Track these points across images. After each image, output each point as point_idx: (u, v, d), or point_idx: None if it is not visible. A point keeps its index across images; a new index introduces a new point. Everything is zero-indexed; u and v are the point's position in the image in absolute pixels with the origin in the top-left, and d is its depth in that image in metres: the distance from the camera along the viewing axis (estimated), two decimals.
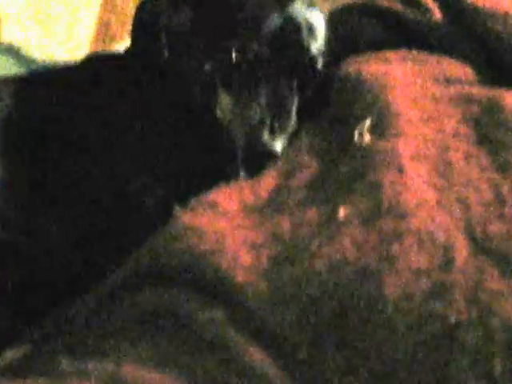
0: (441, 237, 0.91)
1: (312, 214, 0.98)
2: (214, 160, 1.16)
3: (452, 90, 1.16)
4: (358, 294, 0.88)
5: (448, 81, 1.18)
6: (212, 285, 0.92)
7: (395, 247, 0.91)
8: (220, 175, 1.12)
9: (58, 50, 1.62)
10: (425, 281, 0.87)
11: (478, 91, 1.15)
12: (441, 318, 0.84)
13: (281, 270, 0.92)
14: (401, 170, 1.00)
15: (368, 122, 1.07)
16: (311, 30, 1.20)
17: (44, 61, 1.61)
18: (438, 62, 1.22)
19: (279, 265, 0.93)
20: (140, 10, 1.31)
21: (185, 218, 1.00)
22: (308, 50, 1.19)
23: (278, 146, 1.13)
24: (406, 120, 1.07)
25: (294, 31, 1.19)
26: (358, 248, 0.92)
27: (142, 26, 1.31)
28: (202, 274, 0.93)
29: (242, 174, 1.12)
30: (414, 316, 0.85)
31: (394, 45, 1.27)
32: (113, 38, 1.64)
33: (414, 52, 1.24)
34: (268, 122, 1.14)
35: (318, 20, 1.22)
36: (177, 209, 1.02)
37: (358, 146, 1.06)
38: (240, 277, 0.91)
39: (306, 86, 1.20)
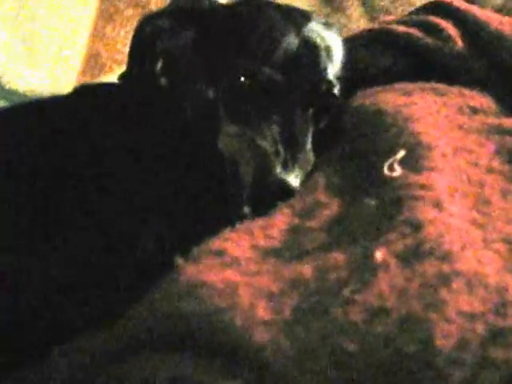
0: (492, 279, 0.80)
1: (339, 257, 0.85)
2: (216, 197, 1.03)
3: (479, 120, 1.07)
4: (402, 347, 0.74)
5: (473, 111, 1.09)
6: (227, 348, 0.78)
7: (443, 292, 0.78)
8: (224, 214, 0.99)
9: (42, 83, 1.50)
10: (480, 326, 0.75)
11: (509, 122, 1.05)
12: (501, 366, 0.73)
13: (307, 323, 0.79)
14: (440, 207, 0.88)
15: (401, 154, 0.94)
16: (329, 51, 1.08)
17: (26, 93, 1.48)
18: (459, 93, 1.13)
19: (304, 316, 0.79)
20: (138, 31, 1.19)
21: (189, 270, 0.87)
22: (325, 73, 1.07)
23: (294, 180, 0.99)
24: (439, 152, 0.97)
25: (310, 53, 1.07)
26: (399, 294, 0.79)
27: (139, 50, 1.19)
28: (215, 336, 0.79)
29: (248, 213, 0.99)
30: (469, 366, 0.73)
31: (410, 74, 1.17)
32: (102, 70, 1.52)
33: (433, 83, 1.14)
34: (281, 154, 1.00)
35: (335, 41, 1.11)
36: (178, 260, 0.88)
37: (387, 179, 0.93)
38: (258, 335, 0.77)
39: (322, 114, 1.08)
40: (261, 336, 0.77)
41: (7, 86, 1.47)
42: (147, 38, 1.16)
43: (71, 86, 1.47)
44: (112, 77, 1.49)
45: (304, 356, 0.75)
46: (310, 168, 1.03)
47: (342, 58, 1.10)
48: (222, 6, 1.19)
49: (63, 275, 1.02)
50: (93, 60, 1.50)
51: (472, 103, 1.09)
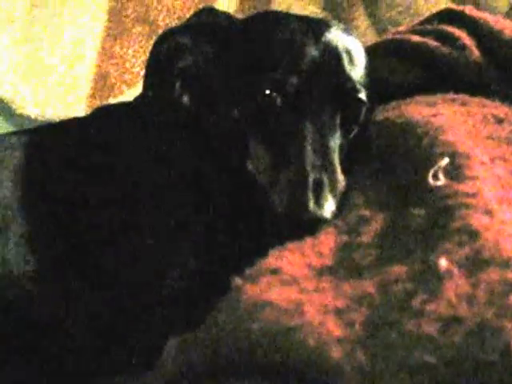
0: None
1: (399, 270, 0.82)
2: (251, 222, 0.98)
3: (506, 129, 1.04)
4: (481, 356, 0.71)
5: (498, 120, 1.06)
6: (301, 368, 0.74)
7: (511, 299, 0.75)
8: (260, 238, 0.95)
9: (52, 106, 1.44)
10: None
11: None
12: None
13: (380, 337, 0.75)
14: (491, 215, 0.85)
15: (444, 162, 0.91)
16: (351, 56, 1.04)
17: (37, 118, 1.42)
18: (480, 103, 1.10)
19: (377, 330, 0.76)
20: (156, 50, 1.13)
21: (249, 290, 0.82)
22: (349, 77, 1.02)
23: (328, 210, 0.94)
24: (478, 161, 0.94)
25: (333, 59, 1.02)
26: (469, 302, 0.76)
27: (156, 68, 1.13)
28: (287, 356, 0.75)
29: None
30: None
31: (428, 85, 1.14)
32: (112, 91, 1.46)
33: (453, 94, 1.11)
34: (312, 179, 0.94)
35: (356, 47, 1.07)
36: (237, 280, 0.84)
37: (432, 188, 0.90)
38: (334, 352, 0.73)
39: (350, 123, 1.03)
40: (337, 353, 0.73)
41: (18, 112, 1.42)
42: (166, 55, 1.10)
43: (82, 109, 1.43)
44: (122, 98, 1.45)
45: (383, 371, 0.72)
46: (342, 190, 0.98)
47: (365, 64, 1.07)
48: (240, 20, 1.15)
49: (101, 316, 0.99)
50: (102, 81, 1.45)
51: (495, 112, 1.06)
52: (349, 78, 1.02)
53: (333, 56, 1.02)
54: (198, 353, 0.81)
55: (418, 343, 0.73)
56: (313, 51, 1.01)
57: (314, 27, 1.05)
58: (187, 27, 1.12)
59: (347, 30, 1.10)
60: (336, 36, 1.04)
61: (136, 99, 1.19)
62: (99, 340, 0.99)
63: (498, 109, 1.08)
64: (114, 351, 0.99)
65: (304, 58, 1.00)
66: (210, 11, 1.17)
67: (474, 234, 0.82)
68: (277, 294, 0.80)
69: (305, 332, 0.75)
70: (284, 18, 1.09)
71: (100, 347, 0.99)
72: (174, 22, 1.46)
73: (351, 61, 1.03)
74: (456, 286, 0.77)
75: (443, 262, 0.79)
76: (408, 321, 0.75)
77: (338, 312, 0.78)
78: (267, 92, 1.00)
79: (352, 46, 1.05)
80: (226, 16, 1.15)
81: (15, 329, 0.98)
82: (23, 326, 0.98)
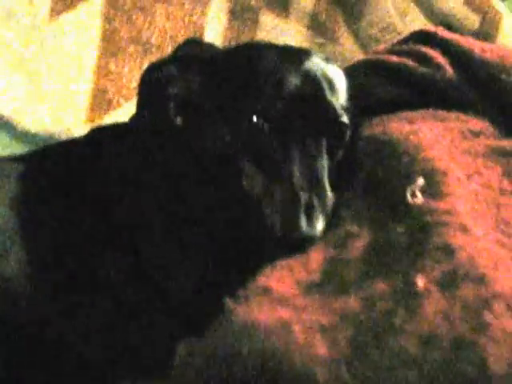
0: None
1: (382, 286, 0.84)
2: (246, 240, 1.00)
3: (481, 143, 1.07)
4: (459, 372, 0.73)
5: (474, 134, 1.08)
6: None
7: (486, 314, 0.77)
8: (255, 255, 0.96)
9: (52, 121, 1.46)
10: None
11: (510, 144, 1.05)
12: None
13: (364, 356, 0.77)
14: (466, 231, 0.87)
15: (421, 182, 0.93)
16: (331, 84, 1.05)
17: (39, 133, 1.44)
18: (457, 118, 1.12)
19: (361, 349, 0.78)
20: (146, 77, 1.14)
21: (240, 311, 0.84)
22: (330, 103, 1.04)
23: (318, 228, 0.96)
24: (454, 177, 0.96)
25: (313, 86, 1.03)
26: (446, 319, 0.78)
27: (148, 94, 1.14)
28: (275, 377, 0.76)
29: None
30: None
31: (407, 103, 1.15)
32: (110, 105, 1.48)
33: (432, 110, 1.13)
34: (303, 201, 0.96)
35: (336, 74, 1.08)
36: (227, 300, 0.85)
37: (411, 206, 0.92)
38: (320, 372, 0.75)
39: (335, 146, 1.04)
40: (322, 374, 0.75)
41: (19, 127, 1.43)
42: (156, 85, 1.12)
43: (81, 123, 1.44)
44: (120, 111, 1.48)
45: None
46: (331, 207, 0.99)
47: (345, 89, 1.08)
48: (224, 51, 1.16)
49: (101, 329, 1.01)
50: (100, 96, 1.46)
51: (471, 127, 1.08)
52: (329, 104, 1.04)
53: (313, 83, 1.04)
54: (192, 372, 0.83)
55: (400, 362, 0.75)
56: (294, 79, 1.02)
57: (295, 56, 1.06)
58: (173, 59, 1.14)
59: (327, 59, 1.11)
60: (316, 64, 1.06)
61: (130, 119, 1.20)
62: (104, 353, 1.00)
63: (474, 123, 1.10)
64: (120, 358, 1.00)
65: (286, 86, 1.02)
66: (195, 43, 1.19)
67: (450, 252, 0.84)
68: (266, 314, 0.82)
69: (293, 353, 0.76)
70: (266, 48, 1.11)
71: (104, 360, 1.01)
72: (165, 42, 1.48)
73: (331, 87, 1.05)
74: (433, 304, 0.79)
75: (420, 281, 0.81)
76: (390, 339, 0.77)
77: (325, 330, 0.79)
78: (254, 119, 1.02)
79: (331, 72, 1.07)
80: (211, 46, 1.17)
81: (18, 348, 0.99)
82: (26, 345, 0.98)
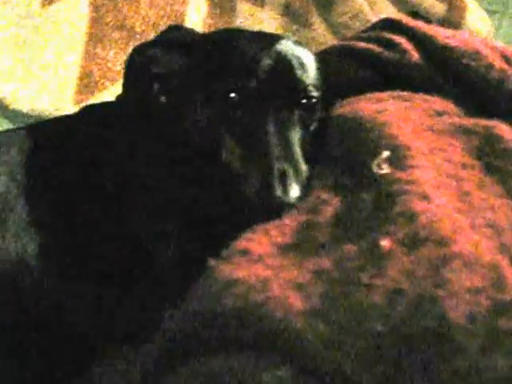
0: (485, 258, 0.83)
1: (351, 248, 0.88)
2: (227, 208, 1.04)
3: (445, 121, 1.09)
4: (421, 323, 0.78)
5: (438, 113, 1.11)
6: (269, 339, 0.79)
7: (446, 271, 0.81)
8: (234, 222, 1.00)
9: (42, 101, 1.50)
10: (484, 299, 0.79)
11: (472, 122, 1.08)
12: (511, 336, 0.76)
13: (336, 307, 0.81)
14: (428, 199, 0.91)
15: (385, 155, 0.97)
16: (301, 63, 1.10)
17: (29, 113, 1.47)
18: (422, 99, 1.15)
19: (332, 302, 0.82)
20: (131, 58, 1.19)
21: (223, 268, 0.87)
22: (300, 79, 1.09)
23: (292, 195, 1.00)
24: (418, 152, 0.99)
25: (285, 65, 1.09)
26: (409, 276, 0.82)
27: (134, 75, 1.19)
28: (256, 329, 0.80)
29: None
30: (481, 337, 0.76)
31: (375, 85, 1.19)
32: (96, 87, 1.52)
33: (399, 91, 1.16)
34: (277, 169, 1.00)
35: (306, 55, 1.13)
36: (211, 261, 0.89)
37: (377, 177, 0.96)
38: (298, 323, 0.79)
39: (307, 118, 1.09)
40: (299, 324, 0.79)
41: (11, 107, 1.45)
42: (141, 66, 1.16)
43: (70, 104, 1.47)
44: (106, 93, 1.52)
45: (341, 339, 0.78)
46: (305, 176, 1.04)
47: (315, 69, 1.13)
48: (203, 35, 1.21)
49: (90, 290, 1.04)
50: (87, 79, 1.49)
51: (436, 107, 1.12)
52: (300, 80, 1.09)
53: (284, 62, 1.09)
54: (180, 327, 0.86)
55: (368, 313, 0.79)
56: (267, 59, 1.08)
57: (268, 40, 1.12)
58: (157, 42, 1.19)
59: (297, 42, 1.16)
60: (287, 46, 1.11)
61: (117, 97, 1.25)
62: (95, 319, 1.04)
63: (438, 103, 1.13)
64: (112, 331, 1.04)
65: (259, 65, 1.07)
66: (177, 28, 1.23)
67: (412, 217, 0.88)
68: (246, 271, 0.85)
69: (271, 306, 0.80)
70: (241, 32, 1.17)
71: (96, 327, 1.04)
72: (149, 29, 1.52)
73: (301, 65, 1.10)
74: (398, 263, 0.83)
75: (384, 243, 0.85)
76: (360, 294, 0.81)
77: (300, 286, 0.83)
78: (231, 95, 1.06)
79: (301, 53, 1.12)
80: (191, 32, 1.21)
81: (13, 316, 1.02)
82: (21, 314, 1.02)
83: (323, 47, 1.33)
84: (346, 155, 1.05)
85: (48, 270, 1.04)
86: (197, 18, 1.56)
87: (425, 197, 0.91)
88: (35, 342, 1.02)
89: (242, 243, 0.92)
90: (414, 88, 1.17)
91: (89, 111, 1.23)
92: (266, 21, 1.55)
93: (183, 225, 1.05)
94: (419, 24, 1.24)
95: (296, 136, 1.06)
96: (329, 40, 1.55)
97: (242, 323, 0.80)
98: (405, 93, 1.15)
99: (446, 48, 1.19)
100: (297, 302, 0.81)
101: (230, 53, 1.10)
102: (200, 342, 0.83)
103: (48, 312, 1.03)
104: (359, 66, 1.22)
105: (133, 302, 1.03)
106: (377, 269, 0.83)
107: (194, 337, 0.83)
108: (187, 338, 0.84)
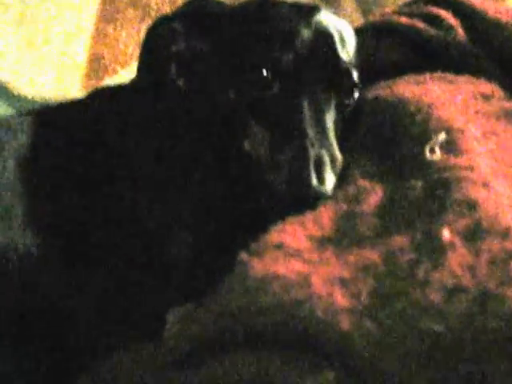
0: None
1: (402, 240, 0.80)
2: (249, 202, 0.96)
3: (494, 105, 1.02)
4: (483, 323, 0.69)
5: (485, 97, 1.04)
6: (311, 340, 0.71)
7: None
8: (258, 217, 0.92)
9: (48, 87, 1.41)
10: None
11: None
12: None
13: (388, 306, 0.73)
14: (487, 187, 0.83)
15: (442, 137, 0.88)
16: (341, 37, 1.02)
17: (34, 99, 1.38)
18: (467, 80, 1.07)
19: (383, 300, 0.74)
20: (150, 35, 1.10)
21: (256, 264, 0.79)
22: (341, 58, 1.00)
23: (329, 185, 0.90)
24: (471, 136, 0.92)
25: (324, 39, 1.00)
26: (471, 272, 0.74)
27: (151, 52, 1.09)
28: (297, 329, 0.72)
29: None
30: None
31: (416, 65, 1.10)
32: (105, 72, 1.43)
33: (440, 73, 1.08)
34: (313, 155, 0.91)
35: (346, 28, 1.05)
36: (243, 255, 0.81)
37: (429, 162, 0.87)
38: (342, 322, 0.71)
39: (344, 101, 1.01)
40: (345, 323, 0.71)
41: (15, 92, 1.37)
42: (161, 41, 1.07)
43: (77, 89, 1.39)
44: (116, 78, 1.42)
45: (392, 340, 0.70)
46: (340, 166, 0.95)
47: (354, 45, 1.05)
48: (232, 7, 1.11)
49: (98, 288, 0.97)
50: (96, 62, 1.41)
51: (481, 89, 1.04)
52: (341, 57, 1.00)
53: (325, 36, 1.00)
54: (200, 327, 0.78)
55: (424, 312, 0.71)
56: (306, 31, 0.99)
57: (306, 10, 1.03)
58: (179, 15, 1.09)
59: (336, 14, 1.07)
60: (326, 18, 1.02)
61: (131, 81, 1.16)
62: (102, 314, 0.96)
63: (485, 86, 1.06)
64: (116, 324, 0.97)
65: (297, 38, 0.98)
66: (201, 0, 1.12)
67: (473, 206, 0.80)
68: (283, 267, 0.78)
69: (313, 304, 0.72)
70: (276, 3, 1.06)
71: (103, 321, 0.97)
72: (165, 5, 1.44)
73: (342, 41, 1.01)
74: (458, 256, 0.75)
75: (446, 233, 0.77)
76: (414, 290, 0.73)
77: (344, 282, 0.75)
78: (264, 72, 0.97)
79: (342, 27, 1.04)
80: (217, 3, 1.11)
81: (17, 310, 0.95)
82: (25, 307, 0.95)
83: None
84: (386, 141, 0.97)
85: (53, 265, 0.96)
86: None
87: (484, 184, 0.83)
88: (38, 338, 0.95)
89: (275, 236, 0.84)
90: (457, 69, 1.08)
91: (98, 96, 1.14)
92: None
93: (199, 216, 0.97)
94: None
95: (332, 119, 0.98)
96: (356, 20, 1.46)
97: (282, 322, 0.73)
98: (447, 74, 1.07)
99: (496, 25, 1.11)
100: (342, 299, 0.73)
101: (263, 25, 1.01)
102: (233, 340, 0.75)
103: (52, 308, 0.96)
104: (399, 44, 1.14)
105: (142, 296, 0.96)
106: (434, 262, 0.75)
107: (227, 333, 0.76)
108: (220, 334, 0.76)
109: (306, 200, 0.89)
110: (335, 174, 0.93)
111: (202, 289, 0.84)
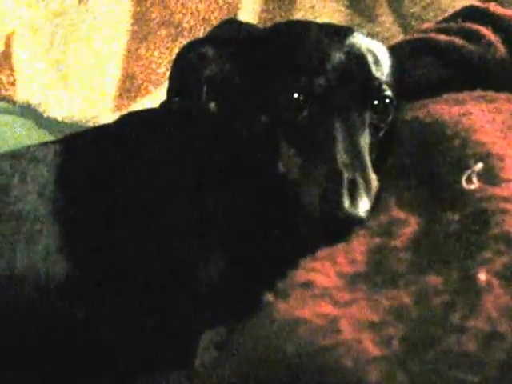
0: None
1: (436, 280, 0.74)
2: (283, 226, 0.92)
3: None
4: None
5: None
6: None
7: None
8: (293, 244, 0.88)
9: (79, 108, 1.39)
10: None
11: None
12: None
13: (419, 355, 0.68)
14: None
15: (479, 166, 0.83)
16: (375, 57, 0.98)
17: (64, 121, 1.37)
18: (508, 99, 1.01)
19: (415, 348, 0.68)
20: (180, 60, 1.08)
21: (281, 307, 0.74)
22: (375, 77, 0.97)
23: (363, 209, 0.86)
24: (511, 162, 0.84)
25: (358, 60, 0.97)
26: (509, 316, 0.68)
27: (180, 77, 1.08)
28: (324, 379, 0.67)
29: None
30: None
31: (452, 85, 1.05)
32: (138, 91, 1.40)
33: (480, 91, 1.02)
34: (346, 178, 0.88)
35: (380, 50, 1.01)
36: (268, 296, 0.76)
37: (466, 192, 0.82)
38: (372, 373, 0.66)
39: (379, 122, 0.97)
40: (375, 374, 0.66)
41: (46, 115, 1.36)
42: (191, 65, 1.05)
43: (108, 110, 1.37)
44: (149, 98, 1.40)
45: None
46: (376, 190, 0.91)
47: (389, 65, 1.01)
48: (262, 30, 1.10)
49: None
50: (128, 82, 1.39)
51: None
52: (374, 77, 0.97)
53: (358, 57, 0.97)
54: (229, 370, 0.74)
55: (458, 361, 0.65)
56: (338, 54, 0.96)
57: (338, 32, 1.00)
58: (210, 39, 1.08)
59: (370, 35, 1.04)
60: (359, 39, 0.99)
61: (161, 106, 1.14)
62: (131, 338, 0.95)
63: None
64: (144, 349, 0.95)
65: (329, 61, 0.95)
66: (232, 23, 1.13)
67: (511, 242, 0.75)
68: (310, 309, 0.73)
69: (341, 351, 0.67)
70: (307, 24, 1.04)
71: (131, 346, 0.95)
72: (198, 24, 1.40)
73: (376, 61, 0.98)
74: (496, 300, 0.69)
75: (483, 275, 0.72)
76: (448, 337, 0.67)
77: (375, 327, 0.70)
78: (295, 95, 0.94)
79: (375, 47, 1.00)
80: (248, 26, 1.11)
81: (38, 339, 0.95)
82: (48, 338, 0.94)
83: (388, 42, 1.19)
84: (423, 166, 0.91)
85: (79, 293, 0.95)
86: (251, 12, 1.43)
87: None
88: (63, 362, 0.95)
89: (303, 273, 0.79)
90: (497, 86, 1.03)
91: (129, 121, 1.12)
92: (328, 14, 1.41)
93: (232, 240, 0.94)
94: (509, 12, 1.10)
95: (366, 142, 0.94)
96: (395, 34, 1.41)
97: (306, 371, 0.68)
98: (487, 92, 1.02)
99: None
100: (371, 346, 0.68)
101: (294, 47, 0.98)
102: None
103: (79, 335, 0.95)
104: (437, 62, 1.09)
105: (171, 323, 0.94)
106: (470, 307, 0.69)
107: (251, 381, 0.71)
108: (245, 381, 0.72)
109: (339, 225, 0.86)
110: (370, 199, 0.89)
111: (234, 314, 0.82)
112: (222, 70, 1.04)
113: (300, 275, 0.78)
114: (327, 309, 0.73)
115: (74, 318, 0.94)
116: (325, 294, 0.75)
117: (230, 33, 1.08)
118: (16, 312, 0.94)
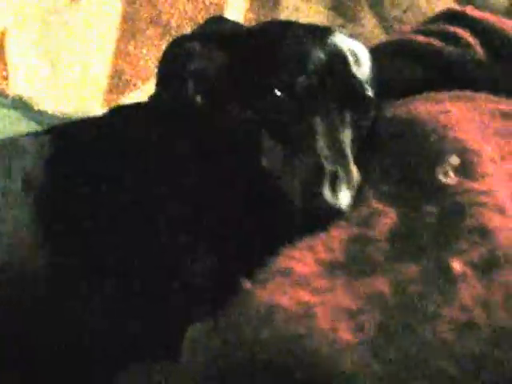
0: None
1: (412, 269, 0.72)
2: (265, 218, 0.89)
3: None
4: (499, 362, 0.62)
5: (504, 116, 0.94)
6: (313, 378, 0.64)
7: None
8: (273, 235, 0.85)
9: (69, 102, 1.38)
10: None
11: None
12: None
13: (395, 342, 0.65)
14: (503, 213, 0.75)
15: (454, 161, 0.80)
16: (356, 57, 0.96)
17: (54, 114, 1.35)
18: (486, 99, 0.98)
19: (391, 335, 0.66)
20: (167, 54, 1.06)
21: (259, 294, 0.72)
22: (356, 77, 0.94)
23: (344, 200, 0.84)
24: (488, 158, 0.83)
25: (339, 60, 0.94)
26: (484, 306, 0.66)
27: (168, 71, 1.06)
28: (298, 365, 0.65)
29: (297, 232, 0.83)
30: None
31: (432, 85, 1.02)
32: (127, 87, 1.40)
33: (458, 91, 0.99)
34: (327, 171, 0.86)
35: (361, 49, 0.98)
36: (246, 283, 0.74)
37: (444, 186, 0.80)
38: (346, 360, 0.64)
39: (360, 120, 0.94)
40: (350, 361, 0.63)
41: (37, 108, 1.34)
42: (177, 60, 1.03)
43: (99, 105, 1.36)
44: (137, 93, 1.40)
45: (400, 379, 0.62)
46: (357, 183, 0.88)
47: (370, 65, 0.98)
48: (247, 28, 1.07)
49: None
50: (117, 78, 1.38)
51: (502, 108, 0.95)
52: (355, 77, 0.94)
53: (338, 57, 0.95)
54: (210, 354, 0.72)
55: (433, 349, 0.63)
56: (319, 53, 0.94)
57: (319, 32, 0.98)
58: (196, 35, 1.05)
59: (351, 36, 1.02)
60: (341, 39, 0.97)
61: (149, 99, 1.11)
62: (119, 330, 0.90)
63: (504, 104, 0.96)
64: (133, 340, 0.91)
65: (311, 60, 0.93)
66: (218, 20, 1.10)
67: (487, 234, 0.72)
68: (288, 297, 0.71)
69: (316, 339, 0.66)
70: (290, 25, 1.03)
71: (119, 337, 0.91)
72: (185, 24, 1.41)
73: (357, 61, 0.96)
74: (471, 289, 0.67)
75: (457, 264, 0.69)
76: (423, 325, 0.65)
77: (351, 315, 0.68)
78: (277, 93, 0.92)
79: (356, 48, 0.98)
80: (234, 24, 1.08)
81: (31, 330, 0.90)
82: (36, 327, 0.89)
83: (370, 44, 1.17)
84: (402, 161, 0.89)
85: (63, 285, 0.91)
86: (237, 12, 1.43)
87: (500, 210, 0.75)
88: (49, 360, 0.90)
89: (282, 261, 0.77)
90: (475, 87, 1.00)
91: (117, 113, 1.09)
92: (311, 15, 1.41)
93: (215, 236, 0.91)
94: (486, 15, 1.08)
95: (347, 138, 0.92)
96: (377, 36, 1.40)
97: (281, 356, 0.66)
98: (466, 92, 0.99)
99: None
100: (347, 333, 0.66)
101: (277, 46, 0.96)
102: (234, 371, 0.69)
103: (63, 328, 0.90)
104: (417, 63, 1.06)
105: (159, 315, 0.89)
106: (445, 296, 0.67)
107: (231, 367, 0.70)
108: (224, 368, 0.70)
109: (320, 215, 0.83)
110: (351, 191, 0.86)
111: (221, 306, 0.78)
112: (208, 64, 1.02)
113: (279, 263, 0.76)
114: (305, 296, 0.71)
115: (61, 309, 0.90)
116: (303, 281, 0.73)
117: (216, 29, 1.05)
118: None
